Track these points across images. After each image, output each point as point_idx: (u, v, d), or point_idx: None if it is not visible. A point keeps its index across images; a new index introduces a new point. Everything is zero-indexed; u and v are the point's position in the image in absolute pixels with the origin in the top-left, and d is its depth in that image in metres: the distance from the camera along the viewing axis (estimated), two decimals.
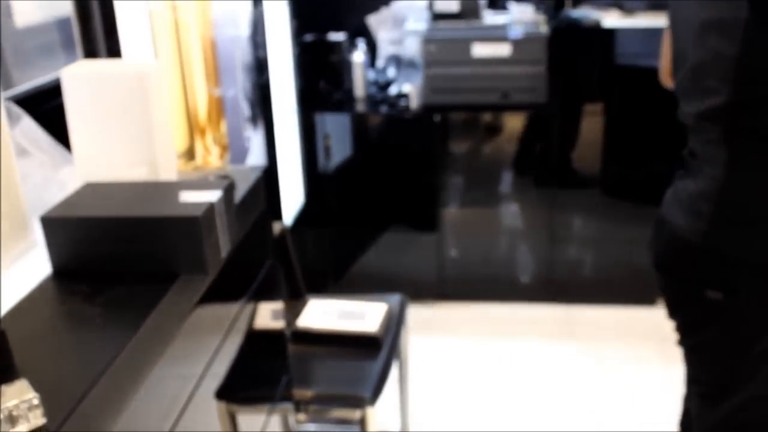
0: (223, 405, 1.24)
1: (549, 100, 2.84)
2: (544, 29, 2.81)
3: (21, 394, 0.72)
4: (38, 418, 0.72)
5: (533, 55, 2.77)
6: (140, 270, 1.01)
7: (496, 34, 2.81)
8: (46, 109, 1.39)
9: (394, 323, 2.00)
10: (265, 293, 1.44)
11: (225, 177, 1.25)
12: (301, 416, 1.93)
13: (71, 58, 1.74)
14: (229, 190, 1.11)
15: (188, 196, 1.05)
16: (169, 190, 1.09)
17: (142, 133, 1.18)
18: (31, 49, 1.83)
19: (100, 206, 1.05)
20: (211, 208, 1.02)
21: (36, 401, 0.72)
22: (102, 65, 1.26)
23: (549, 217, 3.04)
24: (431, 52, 2.86)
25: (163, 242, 1.00)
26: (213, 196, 1.05)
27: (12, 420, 0.71)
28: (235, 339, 1.28)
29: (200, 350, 1.14)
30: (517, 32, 2.79)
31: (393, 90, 2.99)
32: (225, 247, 1.09)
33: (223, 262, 1.10)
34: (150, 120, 1.17)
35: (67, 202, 1.06)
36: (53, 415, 0.73)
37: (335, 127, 3.09)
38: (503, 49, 2.79)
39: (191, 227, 0.99)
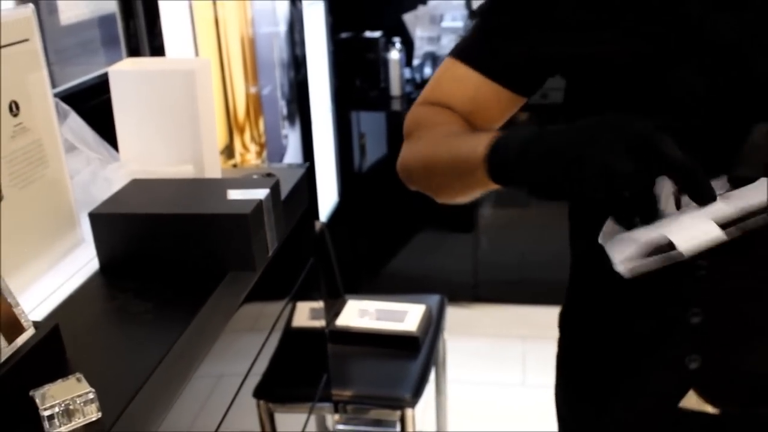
0: (262, 404, 1.24)
1: None
2: None
3: (77, 389, 0.72)
4: (94, 413, 0.72)
5: None
6: (188, 267, 1.01)
7: None
8: (87, 107, 1.39)
9: (433, 324, 1.98)
10: (307, 292, 1.44)
11: (270, 175, 1.24)
12: (339, 417, 1.93)
13: (112, 55, 1.74)
14: (275, 188, 1.10)
15: (236, 194, 1.04)
16: (216, 187, 1.08)
17: (188, 131, 1.18)
18: (71, 47, 1.85)
19: (149, 203, 1.04)
20: (259, 205, 1.02)
21: (92, 395, 0.72)
22: (149, 62, 1.26)
23: None
24: None
25: (211, 239, 0.99)
26: (261, 193, 1.04)
27: (68, 414, 0.71)
28: (279, 337, 1.27)
29: (245, 348, 1.13)
30: None
31: None
32: (272, 244, 1.08)
33: (269, 259, 1.09)
34: (197, 117, 1.17)
35: (115, 199, 1.06)
36: (107, 410, 0.73)
37: (371, 126, 3.08)
38: None
39: (240, 224, 0.98)
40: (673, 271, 0.75)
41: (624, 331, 0.99)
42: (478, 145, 0.82)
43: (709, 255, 0.71)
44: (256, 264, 1.01)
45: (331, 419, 1.92)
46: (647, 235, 0.68)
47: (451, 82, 0.98)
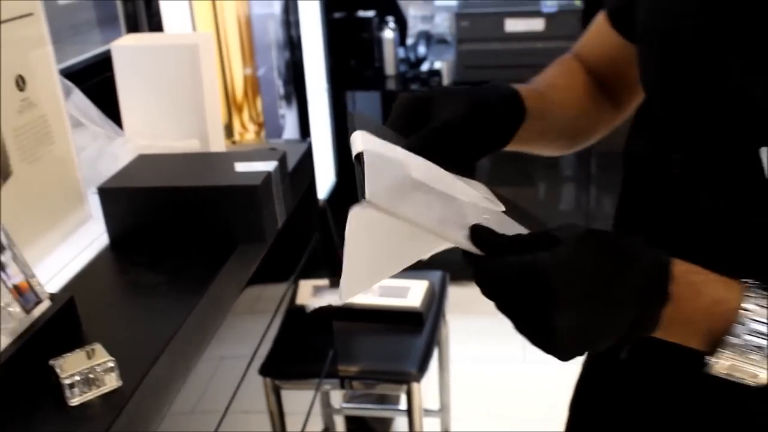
0: (268, 381, 1.23)
1: None
2: (578, 2, 2.77)
3: (96, 358, 0.72)
4: (114, 381, 0.72)
5: (568, 29, 2.72)
6: (198, 240, 1.00)
7: (530, 9, 2.77)
8: (87, 86, 1.38)
9: (436, 299, 1.99)
10: (312, 268, 1.44)
11: (273, 149, 1.24)
12: (345, 395, 1.93)
13: (108, 36, 1.73)
14: (283, 160, 1.10)
15: (244, 167, 1.04)
16: (224, 160, 1.08)
17: (192, 105, 1.17)
18: (63, 28, 1.84)
19: (158, 177, 1.04)
20: (268, 177, 1.02)
21: (111, 364, 0.72)
22: (151, 38, 1.26)
23: (584, 195, 3.01)
24: (463, 28, 2.82)
25: (221, 211, 0.99)
26: (270, 165, 1.04)
27: (89, 383, 0.71)
28: (284, 315, 1.27)
29: (252, 327, 1.13)
30: (550, 6, 2.75)
31: (425, 67, 2.96)
32: (281, 217, 1.08)
33: (278, 231, 1.09)
34: (201, 92, 1.17)
35: (124, 173, 1.05)
36: (127, 379, 0.73)
37: (366, 106, 3.07)
38: (537, 24, 2.75)
39: (250, 196, 0.98)
40: None
41: None
42: None
43: None
44: (266, 236, 1.01)
45: (336, 398, 1.92)
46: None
47: (589, 33, 0.86)
